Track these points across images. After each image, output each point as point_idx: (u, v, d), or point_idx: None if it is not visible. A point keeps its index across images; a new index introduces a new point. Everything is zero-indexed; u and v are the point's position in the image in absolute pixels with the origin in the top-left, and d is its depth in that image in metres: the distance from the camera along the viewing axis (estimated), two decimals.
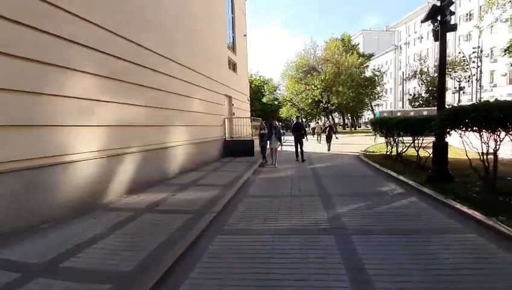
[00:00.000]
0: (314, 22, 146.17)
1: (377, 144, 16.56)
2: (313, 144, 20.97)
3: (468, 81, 31.40)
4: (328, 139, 16.15)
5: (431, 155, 7.15)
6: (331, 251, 3.46)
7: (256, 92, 48.39)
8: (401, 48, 62.64)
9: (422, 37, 56.24)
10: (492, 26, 32.08)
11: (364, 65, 38.73)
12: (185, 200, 5.89)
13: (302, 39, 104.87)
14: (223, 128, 13.11)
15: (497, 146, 5.36)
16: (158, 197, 6.06)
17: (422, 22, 8.07)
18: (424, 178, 6.94)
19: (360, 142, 20.41)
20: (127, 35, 6.48)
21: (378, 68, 42.81)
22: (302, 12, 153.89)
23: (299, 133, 11.71)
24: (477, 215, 4.31)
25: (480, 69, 31.02)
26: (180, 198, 6.07)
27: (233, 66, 16.16)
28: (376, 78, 40.26)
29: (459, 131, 6.08)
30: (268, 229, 4.26)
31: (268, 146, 10.50)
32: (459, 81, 30.21)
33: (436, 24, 6.93)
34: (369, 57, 43.15)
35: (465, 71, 35.70)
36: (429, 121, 7.86)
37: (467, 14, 46.76)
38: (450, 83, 40.96)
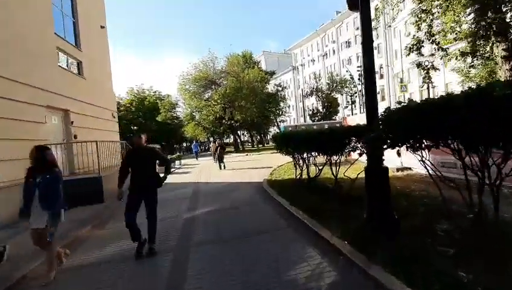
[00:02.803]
0: (215, 48, 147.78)
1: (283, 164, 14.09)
2: (211, 168, 17.40)
3: (353, 96, 34.29)
4: (220, 159, 16.25)
5: (357, 177, 4.37)
6: None
7: (152, 109, 42.27)
8: (298, 68, 67.56)
9: (314, 60, 61.97)
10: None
11: (266, 81, 38.23)
12: None
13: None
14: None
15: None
16: None
17: None
18: (354, 225, 4.09)
19: (266, 162, 17.90)
20: None
21: (280, 84, 43.34)
22: (201, 40, 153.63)
23: None
24: None
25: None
26: None
27: (77, 66, 11.17)
28: (279, 93, 40.31)
29: (419, 148, 3.36)
30: None
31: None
32: (351, 96, 32.39)
33: None
34: (272, 74, 43.39)
35: (351, 89, 39.44)
36: (351, 134, 5.18)
37: (346, 42, 53.72)
38: (339, 99, 45.34)
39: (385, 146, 3.73)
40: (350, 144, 5.46)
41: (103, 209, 7.54)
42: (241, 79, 32.12)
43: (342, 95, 43.22)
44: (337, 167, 6.22)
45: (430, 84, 16.39)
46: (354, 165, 7.03)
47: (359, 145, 5.18)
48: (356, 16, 50.61)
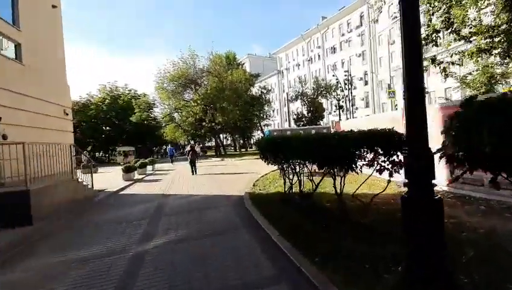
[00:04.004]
0: (197, 49, 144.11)
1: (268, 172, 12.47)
2: (185, 174, 15.49)
3: (340, 101, 33.34)
4: (192, 163, 15.80)
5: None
6: None
7: (126, 109, 39.44)
8: (283, 72, 66.78)
9: (299, 64, 61.33)
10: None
11: (251, 82, 36.60)
12: None
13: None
14: None
15: None
16: None
17: None
18: (387, 282, 2.56)
19: (248, 169, 16.20)
20: None
21: (265, 86, 41.87)
22: (183, 41, 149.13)
23: None
24: None
25: (351, 91, 33.51)
26: None
27: (13, 49, 9.01)
28: (264, 96, 38.77)
29: None
30: None
31: None
32: (338, 100, 31.41)
33: None
34: (256, 76, 41.85)
35: (337, 94, 38.69)
36: (371, 142, 3.63)
37: (331, 47, 53.51)
38: (326, 104, 44.66)
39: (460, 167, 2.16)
40: (366, 156, 3.90)
41: (28, 235, 5.54)
42: (223, 79, 30.28)
43: (327, 100, 42.52)
44: (342, 182, 4.63)
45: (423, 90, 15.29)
46: (355, 178, 5.52)
47: (384, 160, 3.62)
48: (342, 22, 50.64)
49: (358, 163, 4.08)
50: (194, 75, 31.84)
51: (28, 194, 6.04)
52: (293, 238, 4.11)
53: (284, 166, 6.61)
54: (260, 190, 8.64)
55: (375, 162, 3.77)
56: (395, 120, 7.38)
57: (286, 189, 6.85)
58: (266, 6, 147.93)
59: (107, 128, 41.46)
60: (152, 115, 40.91)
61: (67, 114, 11.68)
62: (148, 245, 4.67)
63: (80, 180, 9.51)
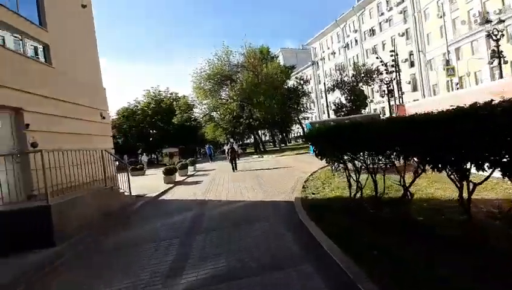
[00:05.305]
0: (233, 47, 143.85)
1: (316, 170, 10.91)
2: (226, 174, 14.53)
3: (388, 85, 29.98)
4: (233, 161, 16.82)
5: None
6: None
7: (168, 112, 40.29)
8: (317, 63, 63.78)
9: (335, 52, 57.85)
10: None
11: (286, 74, 34.90)
12: None
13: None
14: None
15: None
16: None
17: None
18: None
19: (292, 166, 14.77)
20: None
21: (301, 77, 39.85)
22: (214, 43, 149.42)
23: None
24: None
25: (399, 73, 30.01)
26: None
27: (42, 51, 8.55)
28: (301, 86, 36.83)
29: None
30: None
31: None
32: (387, 83, 28.25)
33: None
34: (292, 68, 40.01)
35: (384, 78, 35.27)
36: None
37: (369, 30, 49.37)
38: (366, 91, 41.15)
39: None
40: None
41: (48, 260, 4.75)
42: (258, 73, 29.03)
43: (369, 86, 39.15)
44: (470, 188, 2.95)
45: (501, 59, 12.50)
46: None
47: None
48: (380, 1, 46.27)
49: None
50: (229, 72, 31.10)
51: (48, 211, 5.20)
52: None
53: (347, 164, 5.10)
54: (313, 193, 7.10)
55: None
56: (493, 94, 5.42)
57: (351, 193, 5.31)
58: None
59: (153, 131, 43.08)
60: (192, 116, 41.37)
61: (103, 117, 11.23)
62: (176, 286, 3.46)
63: (114, 187, 8.92)
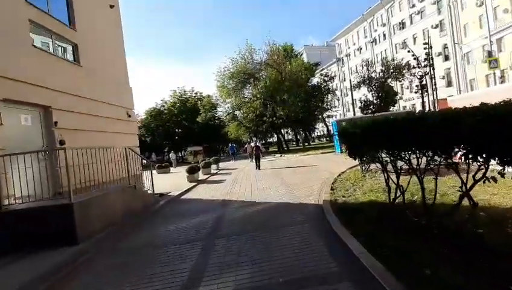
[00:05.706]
0: (257, 45, 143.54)
1: (345, 170, 10.26)
2: (248, 174, 14.20)
3: (422, 79, 28.03)
4: (257, 159, 17.14)
5: None
6: None
7: (193, 111, 40.99)
8: (342, 60, 61.86)
9: (361, 48, 55.65)
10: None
11: (311, 71, 34.01)
12: None
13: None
14: None
15: None
16: None
17: None
18: None
19: (316, 165, 14.15)
20: None
21: (326, 74, 38.69)
22: (237, 42, 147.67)
23: None
24: None
25: (433, 67, 27.98)
26: None
27: (71, 50, 8.64)
28: (326, 83, 35.74)
29: None
30: None
31: None
32: (421, 77, 26.40)
33: None
34: (316, 64, 38.99)
35: (412, 75, 33.24)
36: None
37: (399, 23, 46.88)
38: (395, 87, 39.09)
39: None
40: None
41: (71, 259, 4.66)
42: (282, 70, 28.47)
43: (399, 82, 37.13)
44: None
45: None
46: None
47: None
48: None
49: None
50: (252, 70, 30.83)
51: (71, 209, 5.11)
52: None
53: (386, 166, 4.52)
54: (343, 196, 6.52)
55: None
56: None
57: (391, 197, 4.72)
58: None
59: (179, 130, 44.22)
60: (216, 115, 41.81)
61: (129, 116, 11.37)
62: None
63: (138, 186, 8.90)
